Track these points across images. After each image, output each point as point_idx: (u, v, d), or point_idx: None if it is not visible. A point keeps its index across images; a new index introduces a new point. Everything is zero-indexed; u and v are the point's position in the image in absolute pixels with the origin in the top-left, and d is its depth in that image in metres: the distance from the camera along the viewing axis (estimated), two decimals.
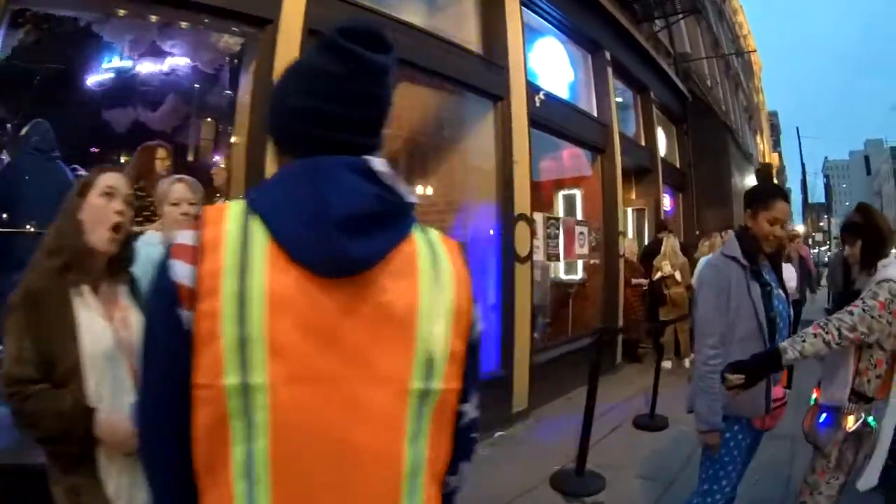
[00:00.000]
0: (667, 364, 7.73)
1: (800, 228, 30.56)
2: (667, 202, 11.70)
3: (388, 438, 0.86)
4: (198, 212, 2.80)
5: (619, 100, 9.31)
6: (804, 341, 2.26)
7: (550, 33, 7.65)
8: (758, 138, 34.80)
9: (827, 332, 2.27)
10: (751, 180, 21.03)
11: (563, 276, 8.35)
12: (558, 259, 7.11)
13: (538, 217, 6.61)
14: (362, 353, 0.85)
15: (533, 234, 6.18)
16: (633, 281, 8.30)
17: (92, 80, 5.78)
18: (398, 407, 0.87)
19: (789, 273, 7.10)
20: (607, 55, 8.41)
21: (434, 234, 0.99)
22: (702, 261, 7.13)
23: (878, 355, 2.37)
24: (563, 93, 7.56)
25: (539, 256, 6.61)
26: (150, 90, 5.93)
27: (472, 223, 6.09)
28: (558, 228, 7.04)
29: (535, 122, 6.35)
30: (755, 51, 33.53)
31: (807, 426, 2.59)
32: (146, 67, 5.71)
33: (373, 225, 0.86)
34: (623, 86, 9.78)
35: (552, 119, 6.86)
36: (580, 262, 8.08)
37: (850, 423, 2.40)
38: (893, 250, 2.66)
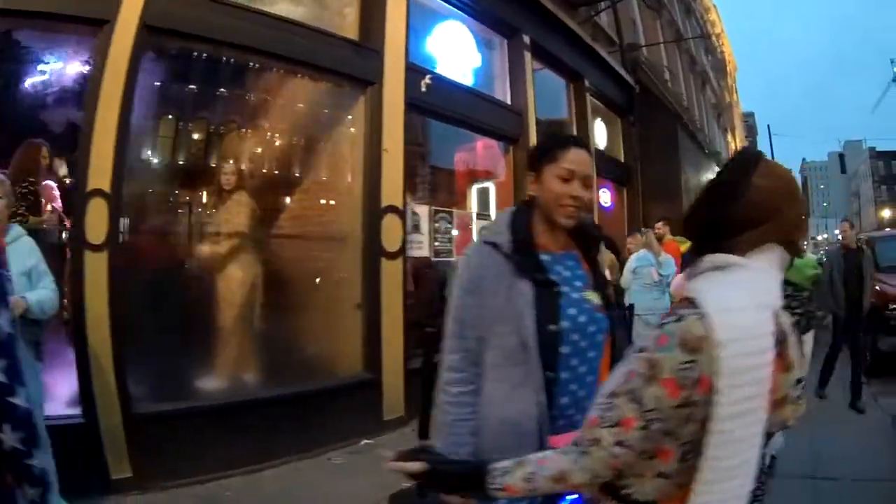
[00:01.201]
0: None
1: None
2: (606, 197, 11.21)
3: None
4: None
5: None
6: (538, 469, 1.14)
7: (457, 17, 7.14)
8: (728, 137, 34.52)
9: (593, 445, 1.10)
10: (711, 176, 20.72)
11: None
12: (449, 256, 6.58)
13: (421, 210, 6.17)
14: None
15: (416, 228, 5.67)
16: None
17: None
18: None
19: (669, 269, 6.57)
20: (526, 39, 7.87)
21: None
22: (631, 258, 6.66)
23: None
24: (466, 79, 7.08)
25: (423, 252, 6.18)
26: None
27: (338, 216, 5.68)
28: (450, 223, 6.52)
29: (423, 108, 5.96)
30: (719, 35, 33.21)
31: None
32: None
33: None
34: (554, 74, 9.27)
35: (448, 106, 6.43)
36: None
37: None
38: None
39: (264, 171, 5.87)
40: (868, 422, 5.44)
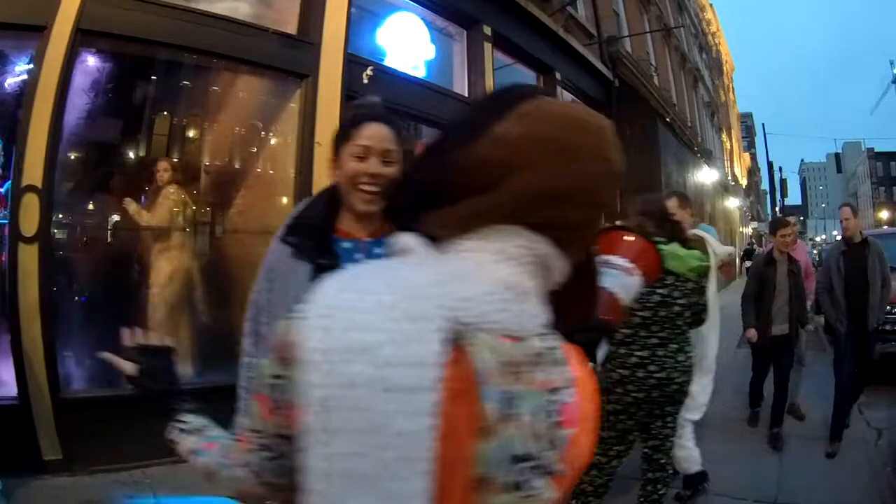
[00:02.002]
0: None
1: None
2: None
3: None
4: None
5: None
6: None
7: (410, 8, 6.91)
8: (723, 136, 34.15)
9: None
10: (702, 175, 20.40)
11: None
12: None
13: None
14: None
15: None
16: None
17: None
18: None
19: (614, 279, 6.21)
20: (486, 30, 7.58)
21: None
22: None
23: None
24: (419, 71, 6.83)
25: None
26: None
27: (273, 211, 5.56)
28: None
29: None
30: (715, 33, 32.86)
31: None
32: None
33: None
34: (523, 67, 8.96)
35: (395, 99, 6.07)
36: None
37: None
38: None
39: (200, 165, 5.83)
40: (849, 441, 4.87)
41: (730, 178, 32.86)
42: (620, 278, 1.92)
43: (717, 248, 4.35)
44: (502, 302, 0.68)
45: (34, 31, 4.18)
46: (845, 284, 4.95)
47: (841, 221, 5.23)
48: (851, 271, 4.96)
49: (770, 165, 40.52)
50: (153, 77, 5.54)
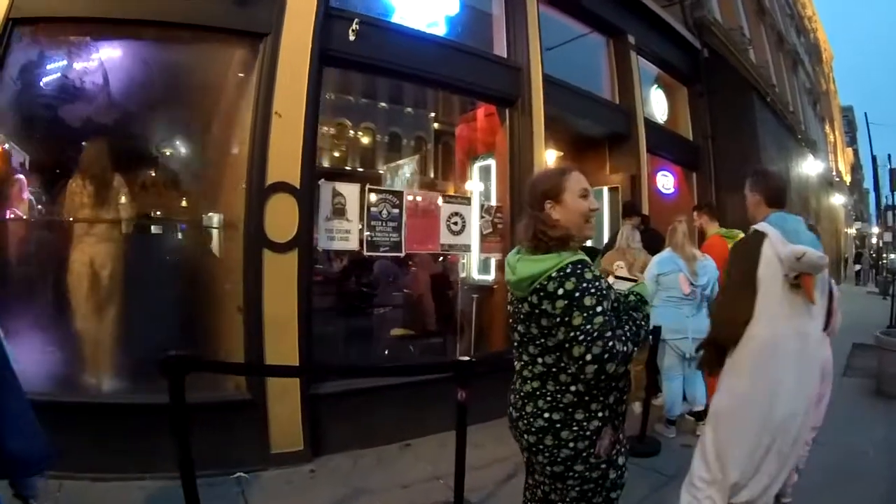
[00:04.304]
0: (635, 406, 5.29)
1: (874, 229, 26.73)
2: (669, 182, 9.12)
3: None
4: None
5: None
6: None
7: None
8: (827, 128, 30.86)
9: None
10: (807, 166, 17.84)
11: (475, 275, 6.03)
12: (393, 251, 4.95)
13: (348, 189, 4.77)
14: None
15: (339, 213, 4.33)
16: None
17: None
18: None
19: (707, 275, 4.71)
20: None
21: None
22: (653, 262, 4.79)
23: None
24: (437, 28, 5.52)
25: (350, 245, 4.83)
26: None
27: (221, 198, 4.79)
28: (396, 206, 4.94)
29: (351, 62, 4.90)
30: (811, 18, 29.84)
31: None
32: None
33: None
34: (581, 26, 7.37)
35: (397, 60, 5.08)
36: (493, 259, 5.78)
37: None
38: None
39: (141, 150, 5.13)
40: None
41: (833, 173, 29.61)
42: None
43: (781, 249, 2.73)
44: None
45: None
46: None
47: None
48: None
49: (874, 160, 36.18)
50: (91, 57, 4.76)
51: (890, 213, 26.75)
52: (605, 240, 6.80)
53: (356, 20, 4.69)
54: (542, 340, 1.94)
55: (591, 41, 7.65)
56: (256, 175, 4.21)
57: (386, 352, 5.71)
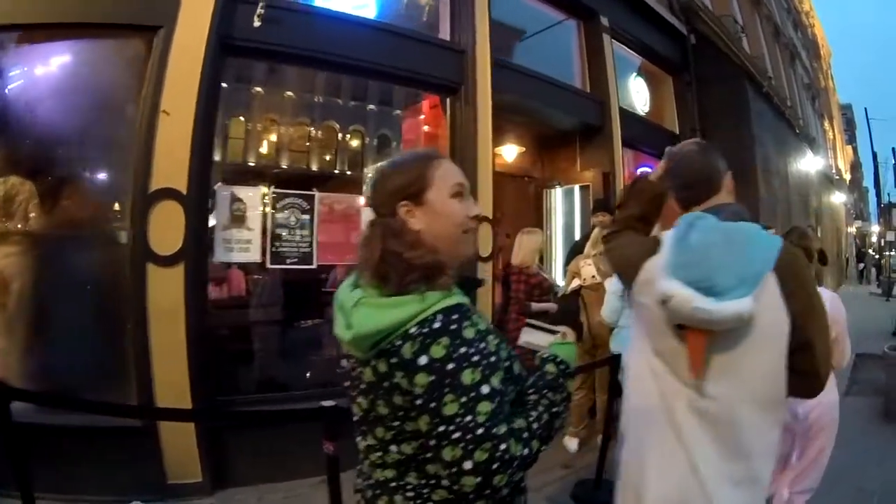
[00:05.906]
0: (570, 443, 4.52)
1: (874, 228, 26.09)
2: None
3: None
4: None
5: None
6: None
7: None
8: (826, 125, 30.12)
9: None
10: (806, 162, 17.04)
11: None
12: (303, 262, 4.25)
13: (249, 193, 4.26)
14: None
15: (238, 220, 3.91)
16: (534, 306, 4.96)
17: None
18: None
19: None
20: None
21: None
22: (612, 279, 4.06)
23: None
24: (366, 10, 4.97)
25: (252, 256, 4.20)
26: None
27: (106, 206, 4.35)
28: (306, 212, 4.30)
29: (258, 51, 4.42)
30: (808, 13, 29.24)
31: None
32: None
33: None
34: (544, 6, 6.59)
35: (313, 45, 4.53)
36: None
37: None
38: None
39: (34, 158, 4.50)
40: None
41: (833, 171, 28.94)
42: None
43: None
44: None
45: None
46: None
47: None
48: None
49: (875, 156, 35.46)
50: None
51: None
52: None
53: (262, 3, 4.15)
54: (398, 423, 1.21)
55: (551, 19, 6.87)
56: (141, 181, 3.81)
57: (308, 374, 4.92)
